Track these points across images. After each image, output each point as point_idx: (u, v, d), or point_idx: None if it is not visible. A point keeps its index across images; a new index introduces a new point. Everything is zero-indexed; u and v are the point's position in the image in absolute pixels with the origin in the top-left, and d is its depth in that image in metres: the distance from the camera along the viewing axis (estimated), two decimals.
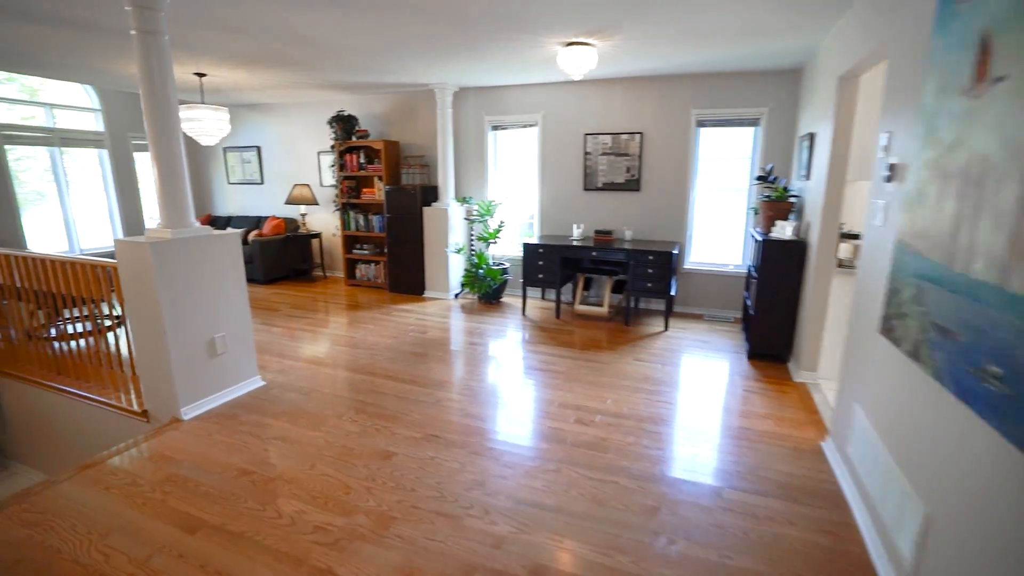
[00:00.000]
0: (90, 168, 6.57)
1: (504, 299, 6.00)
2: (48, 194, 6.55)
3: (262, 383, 3.48)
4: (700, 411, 3.21)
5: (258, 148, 7.56)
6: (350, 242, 6.77)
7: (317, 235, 7.12)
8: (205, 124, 4.87)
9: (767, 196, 4.22)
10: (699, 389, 3.56)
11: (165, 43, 2.75)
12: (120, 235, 6.73)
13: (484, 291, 5.73)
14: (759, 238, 4.07)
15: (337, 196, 6.63)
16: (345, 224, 6.66)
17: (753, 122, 5.00)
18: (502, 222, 5.74)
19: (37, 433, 3.90)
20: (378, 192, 6.37)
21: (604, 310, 5.16)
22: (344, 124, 6.36)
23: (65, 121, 6.28)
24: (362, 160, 6.42)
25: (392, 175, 6.34)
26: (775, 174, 4.41)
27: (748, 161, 5.15)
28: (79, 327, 4.14)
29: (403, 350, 4.23)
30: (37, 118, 6.13)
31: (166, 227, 2.89)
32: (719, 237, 5.43)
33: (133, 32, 2.68)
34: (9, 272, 3.65)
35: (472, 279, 5.74)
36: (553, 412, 3.16)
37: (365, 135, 6.38)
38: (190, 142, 7.91)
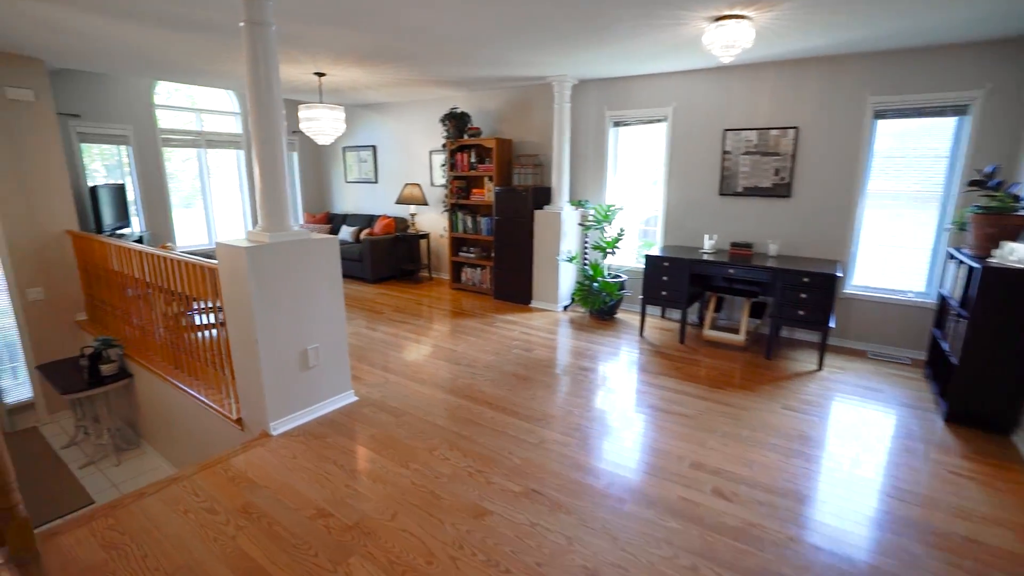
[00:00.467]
0: (230, 168, 7.06)
1: (619, 315, 5.38)
2: (195, 193, 7.14)
3: (354, 398, 3.26)
4: (888, 497, 2.38)
5: (373, 147, 7.67)
6: (457, 244, 6.56)
7: (425, 236, 7.03)
8: (322, 123, 4.86)
9: (985, 207, 3.18)
10: (879, 460, 2.70)
11: (271, 34, 2.57)
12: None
13: (597, 307, 5.15)
14: (971, 263, 3.06)
15: (446, 196, 6.45)
16: (453, 225, 6.46)
17: (959, 110, 3.87)
18: (622, 230, 5.12)
19: (159, 420, 4.08)
20: (488, 193, 6.06)
21: (740, 338, 4.34)
22: (456, 122, 6.14)
23: (211, 125, 6.79)
24: (473, 159, 6.16)
25: (503, 175, 6.00)
26: (999, 177, 3.32)
27: (945, 161, 4.02)
28: (206, 319, 4.29)
29: (505, 370, 3.82)
30: (190, 123, 6.69)
31: (264, 230, 2.73)
32: (894, 256, 4.33)
33: (242, 24, 2.53)
34: (141, 266, 3.83)
35: (585, 293, 5.19)
36: (682, 474, 2.53)
37: (477, 133, 6.11)
38: (308, 142, 8.28)
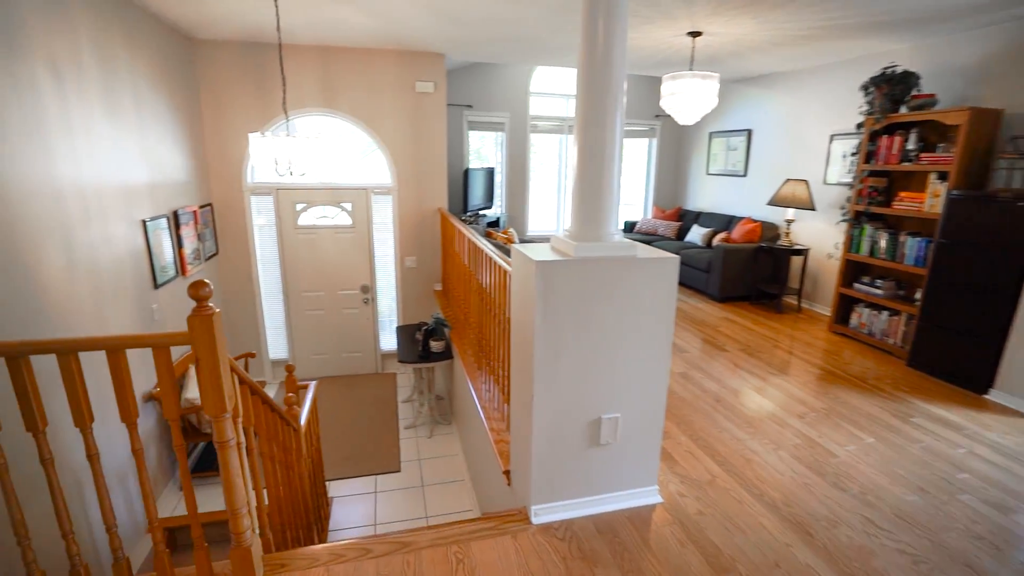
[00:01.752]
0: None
1: None
2: (552, 179, 7.22)
3: (656, 500, 2.14)
4: None
5: (748, 132, 6.10)
6: (853, 270, 4.49)
7: (802, 251, 5.15)
8: (687, 97, 3.76)
9: None
10: None
11: None
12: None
13: None
14: None
15: (849, 200, 4.44)
16: (852, 242, 4.42)
17: None
18: None
19: (462, 409, 3.95)
20: (932, 199, 3.80)
21: None
22: (891, 87, 4.03)
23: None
24: (910, 145, 3.96)
25: (968, 172, 3.63)
26: None
27: None
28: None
29: (944, 541, 1.99)
30: (558, 109, 6.69)
31: (572, 238, 1.85)
32: None
33: None
34: (464, 250, 3.65)
35: None
36: None
37: (928, 103, 3.87)
38: (674, 126, 7.27)
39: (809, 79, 5.23)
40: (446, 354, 4.29)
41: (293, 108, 4.58)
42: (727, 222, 6.23)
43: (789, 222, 5.21)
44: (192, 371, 3.65)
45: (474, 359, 3.52)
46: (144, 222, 3.26)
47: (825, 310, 5.04)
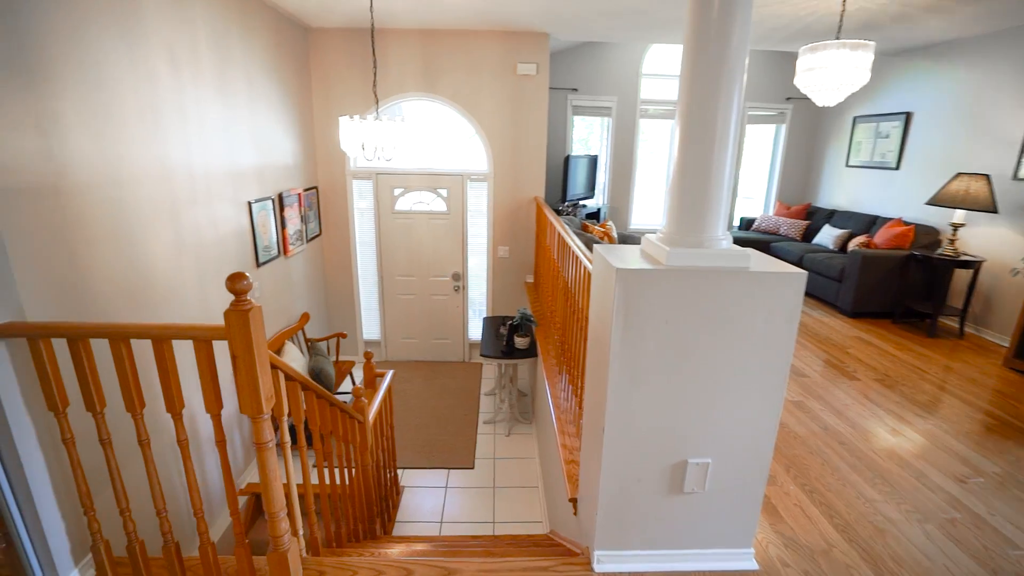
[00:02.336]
0: None
1: None
2: (658, 169, 6.67)
3: (750, 567, 1.75)
4: None
5: (905, 116, 5.09)
6: None
7: (973, 263, 4.18)
8: (829, 72, 3.12)
9: None
10: None
11: None
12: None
13: None
14: None
15: None
16: None
17: None
18: None
19: (540, 413, 3.74)
20: None
21: None
22: None
23: None
24: None
25: None
26: None
27: None
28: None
29: None
30: (670, 92, 6.12)
31: (667, 243, 1.52)
32: None
33: None
34: (554, 242, 3.39)
35: None
36: None
37: None
38: (808, 109, 6.32)
39: (1002, 46, 4.18)
40: (530, 352, 4.09)
41: (394, 93, 4.61)
42: (868, 223, 5.29)
43: (956, 226, 4.25)
44: (287, 348, 3.83)
45: (555, 362, 3.28)
46: (250, 203, 3.42)
47: (1001, 339, 4.06)
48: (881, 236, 4.86)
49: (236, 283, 1.26)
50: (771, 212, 6.61)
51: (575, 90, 6.01)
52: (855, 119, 5.76)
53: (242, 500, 3.18)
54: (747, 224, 6.53)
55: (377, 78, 4.52)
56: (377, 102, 3.33)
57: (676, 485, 1.63)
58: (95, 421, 1.46)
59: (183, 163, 2.71)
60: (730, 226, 6.77)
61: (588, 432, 1.82)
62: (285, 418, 1.55)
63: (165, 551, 1.57)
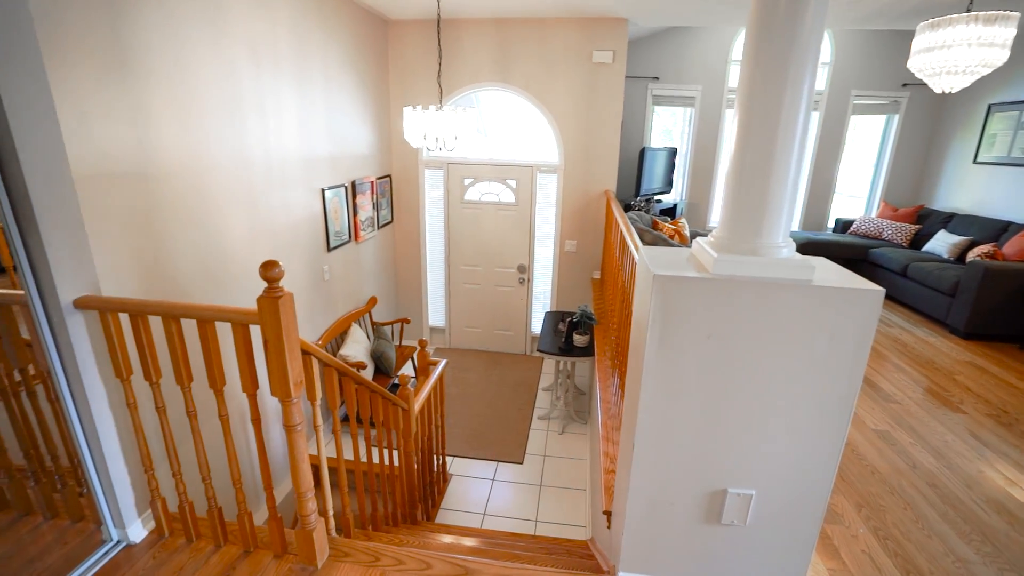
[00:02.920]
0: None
1: None
2: None
3: None
4: None
5: None
6: None
7: None
8: (955, 52, 2.68)
9: None
10: None
11: None
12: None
13: None
14: None
15: None
16: None
17: None
18: None
19: (592, 416, 3.63)
20: None
21: None
22: None
23: None
24: None
25: None
26: None
27: None
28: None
29: None
30: None
31: (717, 248, 1.37)
32: None
33: None
34: (618, 238, 3.24)
35: None
36: None
37: None
38: (927, 97, 5.54)
39: None
40: (588, 350, 3.98)
41: (468, 83, 4.62)
42: (998, 230, 4.57)
43: None
44: (353, 330, 4.01)
45: (609, 364, 3.16)
46: (323, 190, 3.59)
47: None
48: (1013, 246, 4.18)
49: (268, 271, 1.30)
50: (874, 213, 5.91)
51: (656, 79, 5.71)
52: (990, 107, 4.98)
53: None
54: (844, 226, 5.89)
55: (452, 69, 4.56)
56: (441, 93, 3.34)
57: (714, 515, 1.49)
58: (152, 391, 1.58)
59: (260, 152, 2.89)
60: (824, 227, 6.14)
61: (623, 444, 1.71)
62: (318, 401, 1.60)
63: (209, 514, 1.69)
